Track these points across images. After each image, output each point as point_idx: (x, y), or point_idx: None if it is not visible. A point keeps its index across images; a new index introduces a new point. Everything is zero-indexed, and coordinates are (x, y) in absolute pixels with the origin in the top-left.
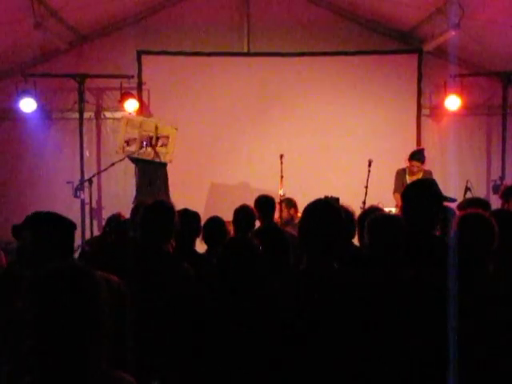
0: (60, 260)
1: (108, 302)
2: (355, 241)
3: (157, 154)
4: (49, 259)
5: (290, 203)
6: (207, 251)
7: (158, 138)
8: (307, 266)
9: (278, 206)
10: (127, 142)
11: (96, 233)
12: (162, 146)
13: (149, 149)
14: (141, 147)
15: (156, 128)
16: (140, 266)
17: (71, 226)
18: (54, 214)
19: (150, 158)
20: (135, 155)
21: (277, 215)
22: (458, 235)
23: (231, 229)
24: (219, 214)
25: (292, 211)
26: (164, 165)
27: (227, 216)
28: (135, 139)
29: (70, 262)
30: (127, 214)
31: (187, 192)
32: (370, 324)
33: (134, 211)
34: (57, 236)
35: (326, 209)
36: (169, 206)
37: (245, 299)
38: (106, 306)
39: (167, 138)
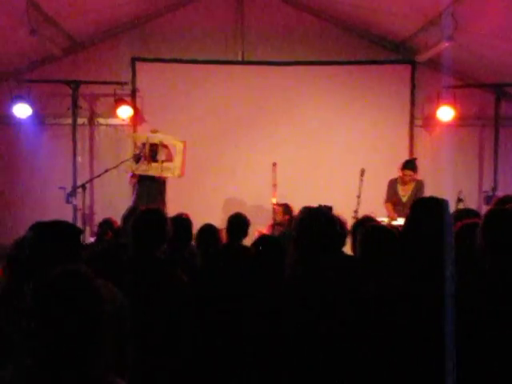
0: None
1: (108, 308)
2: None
3: (161, 169)
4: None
5: (286, 210)
6: (200, 258)
7: (161, 153)
8: (301, 272)
9: (275, 209)
10: (136, 160)
11: (88, 238)
12: (167, 160)
13: (155, 164)
14: (148, 163)
15: (161, 141)
16: (132, 272)
17: (76, 231)
18: (59, 221)
19: (156, 173)
20: (144, 172)
21: (270, 220)
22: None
23: (224, 236)
24: (212, 222)
25: (287, 218)
26: (163, 181)
27: (220, 224)
28: (143, 156)
29: (73, 268)
30: (119, 220)
31: (179, 200)
32: (362, 334)
33: (126, 218)
34: (61, 242)
35: (321, 216)
36: (161, 213)
37: (238, 304)
38: (106, 312)
39: (169, 151)
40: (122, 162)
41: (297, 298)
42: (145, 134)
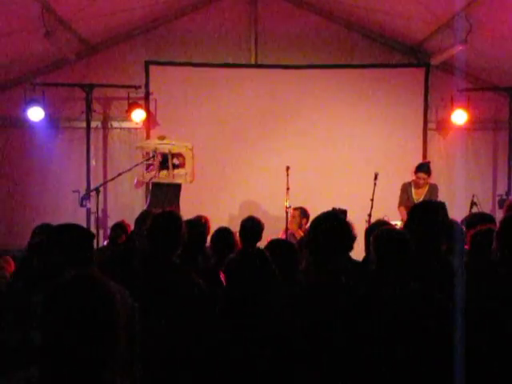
0: (78, 269)
1: (122, 312)
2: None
3: (173, 176)
4: (65, 269)
5: (303, 214)
6: (215, 262)
7: (173, 159)
8: (315, 279)
9: (293, 212)
10: (147, 168)
11: (102, 242)
12: (178, 167)
13: (165, 172)
14: (158, 171)
15: (170, 150)
16: (148, 276)
17: (88, 235)
18: (71, 225)
19: (167, 180)
20: (155, 180)
21: (284, 224)
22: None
23: (238, 240)
24: (226, 225)
25: (304, 221)
26: (178, 185)
27: (234, 227)
28: (153, 164)
29: (86, 272)
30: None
31: (192, 203)
32: (377, 337)
33: (139, 221)
34: (73, 245)
35: (336, 222)
36: (176, 216)
37: (254, 310)
38: (119, 316)
39: (183, 158)
40: (136, 166)
41: (310, 303)
42: (153, 142)
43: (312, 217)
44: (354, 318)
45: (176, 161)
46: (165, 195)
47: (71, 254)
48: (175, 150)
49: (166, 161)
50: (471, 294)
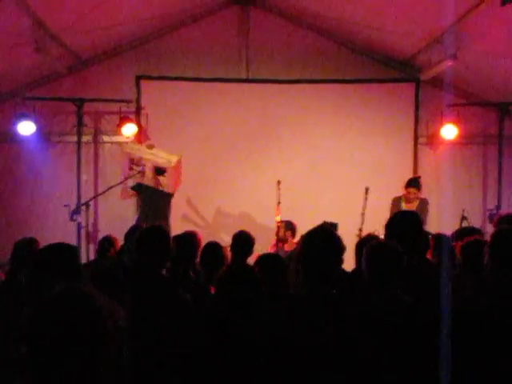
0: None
1: (110, 326)
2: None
3: (159, 183)
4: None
5: (287, 226)
6: (204, 276)
7: (158, 168)
8: (308, 292)
9: (278, 225)
10: (130, 171)
11: (92, 256)
12: (163, 175)
13: (149, 176)
14: (142, 175)
15: (154, 163)
16: (135, 290)
17: (71, 250)
18: (55, 244)
19: (151, 184)
20: (138, 181)
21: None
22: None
23: (229, 254)
24: (217, 240)
25: (288, 234)
26: (170, 195)
27: (225, 241)
28: (137, 170)
29: (73, 287)
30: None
31: (185, 217)
32: (371, 349)
33: (129, 235)
34: (58, 262)
35: (328, 236)
36: (164, 230)
37: (243, 325)
38: (107, 330)
39: (169, 168)
40: (126, 179)
41: (300, 317)
42: (141, 150)
43: (302, 230)
44: (344, 331)
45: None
46: (155, 207)
47: (57, 271)
48: (159, 164)
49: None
50: (461, 306)
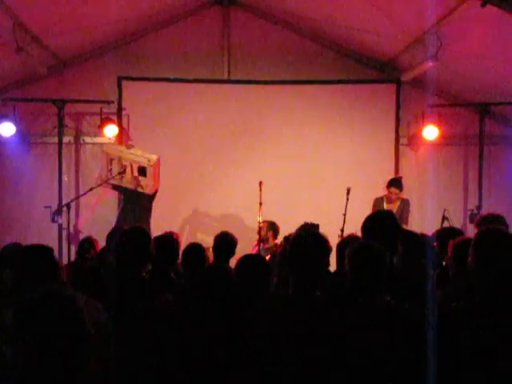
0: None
1: (92, 325)
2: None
3: (138, 183)
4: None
5: (270, 226)
6: (185, 277)
7: (139, 168)
8: (293, 293)
9: (260, 225)
10: (109, 172)
11: (73, 257)
12: (142, 176)
13: (129, 177)
14: (121, 176)
15: (132, 162)
16: (116, 292)
17: (49, 251)
18: (32, 246)
19: (131, 186)
20: (117, 183)
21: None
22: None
23: (211, 256)
24: (197, 241)
25: (270, 234)
26: (150, 196)
27: (206, 242)
28: (116, 169)
29: (54, 289)
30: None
31: (167, 218)
32: (353, 351)
33: (110, 236)
34: (34, 265)
35: (315, 239)
36: (144, 232)
37: (221, 324)
38: (89, 332)
39: (148, 167)
40: (107, 181)
41: (286, 318)
42: (119, 149)
43: (284, 231)
44: (329, 333)
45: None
46: (135, 209)
47: (36, 273)
48: (137, 163)
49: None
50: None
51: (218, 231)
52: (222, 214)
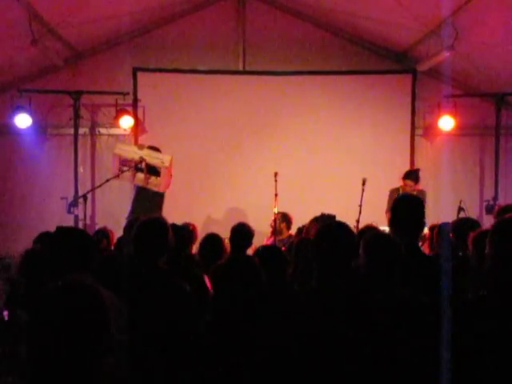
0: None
1: (113, 318)
2: None
3: (151, 183)
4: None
5: (283, 218)
6: (202, 268)
7: (151, 169)
8: (319, 286)
9: (274, 217)
10: (123, 166)
11: None
12: (154, 174)
13: (141, 175)
14: (135, 173)
15: (150, 158)
16: (134, 282)
17: (88, 239)
18: (71, 229)
19: (142, 184)
20: (131, 180)
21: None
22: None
23: (228, 247)
24: (216, 231)
25: (283, 225)
26: (161, 194)
27: (224, 233)
28: (130, 165)
29: (77, 280)
30: (120, 230)
31: (181, 211)
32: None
33: (128, 228)
34: (72, 249)
35: (343, 230)
36: (162, 222)
37: (244, 317)
38: (111, 322)
39: (160, 167)
40: (124, 172)
41: (315, 317)
42: (131, 150)
43: (300, 222)
44: (354, 325)
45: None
46: (148, 202)
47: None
48: (153, 164)
49: (142, 167)
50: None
51: (234, 222)
52: (237, 206)
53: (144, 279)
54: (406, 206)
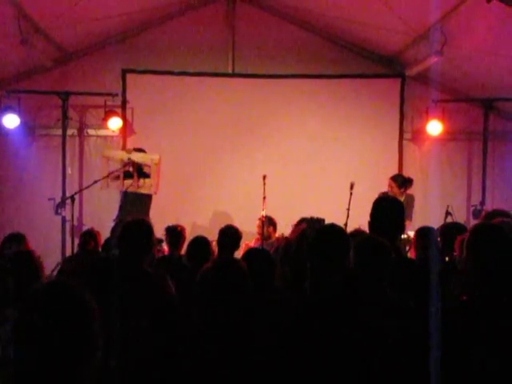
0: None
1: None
2: None
3: (142, 186)
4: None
5: (269, 222)
6: (191, 270)
7: (141, 171)
8: (314, 288)
9: (258, 223)
10: (111, 176)
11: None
12: (144, 177)
13: (129, 181)
14: (123, 180)
15: (139, 158)
16: (119, 282)
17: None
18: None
19: (132, 189)
20: (120, 189)
21: (258, 231)
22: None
23: (215, 249)
24: (203, 234)
25: (270, 229)
26: (149, 196)
27: (211, 235)
28: (118, 173)
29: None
30: (108, 232)
31: (170, 211)
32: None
33: (115, 229)
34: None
35: (339, 234)
36: (147, 223)
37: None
38: (97, 326)
39: (149, 167)
40: (112, 173)
41: (313, 317)
42: (119, 153)
43: (288, 226)
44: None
45: (144, 170)
46: (135, 206)
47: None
48: (142, 161)
49: (131, 171)
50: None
51: (221, 225)
52: (225, 208)
53: (128, 280)
54: (384, 208)
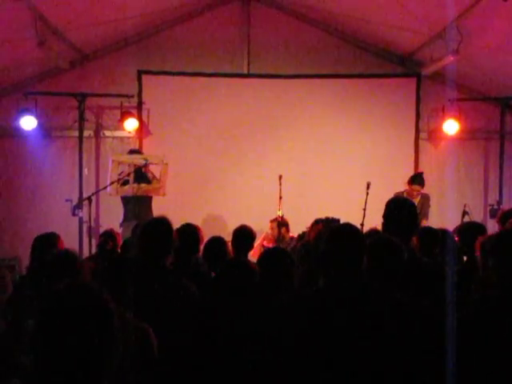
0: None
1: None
2: None
3: (151, 190)
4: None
5: (282, 223)
6: (208, 270)
7: (147, 173)
8: (326, 287)
9: (270, 225)
10: (119, 182)
11: (94, 251)
12: (152, 180)
13: (142, 184)
14: (132, 184)
15: (145, 163)
16: (139, 282)
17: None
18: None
19: (142, 193)
20: (130, 194)
21: (271, 232)
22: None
23: (230, 249)
24: (218, 234)
25: (283, 230)
26: (148, 198)
27: (225, 235)
28: (127, 177)
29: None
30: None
31: (186, 211)
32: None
33: (135, 229)
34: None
35: (354, 233)
36: (166, 222)
37: (243, 318)
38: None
39: (158, 171)
40: (128, 175)
41: (320, 315)
42: (127, 157)
43: (302, 225)
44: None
45: (151, 174)
46: (138, 208)
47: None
48: (151, 161)
49: (141, 174)
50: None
51: (237, 225)
52: (242, 208)
53: (149, 280)
54: (397, 209)
